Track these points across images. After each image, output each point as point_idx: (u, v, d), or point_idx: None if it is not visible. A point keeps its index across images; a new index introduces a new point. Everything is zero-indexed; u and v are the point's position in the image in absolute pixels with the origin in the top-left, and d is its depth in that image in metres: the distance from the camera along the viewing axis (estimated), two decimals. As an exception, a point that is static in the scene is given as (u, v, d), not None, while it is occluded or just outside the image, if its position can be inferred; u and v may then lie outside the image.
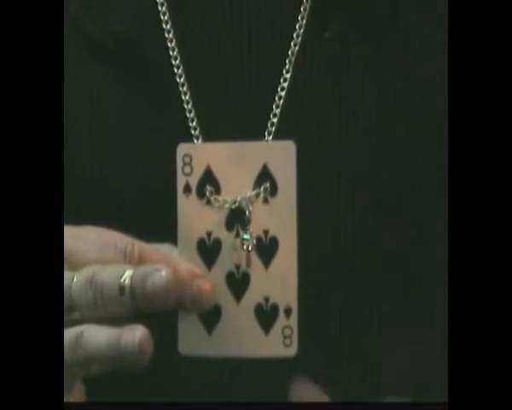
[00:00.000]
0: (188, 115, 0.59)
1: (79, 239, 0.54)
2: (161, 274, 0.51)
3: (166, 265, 0.52)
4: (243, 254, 0.54)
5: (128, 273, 0.51)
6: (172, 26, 0.59)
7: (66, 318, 0.53)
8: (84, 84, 0.62)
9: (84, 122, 0.62)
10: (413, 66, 0.62)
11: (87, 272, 0.52)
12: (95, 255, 0.54)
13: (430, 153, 0.62)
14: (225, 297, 0.54)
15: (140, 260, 0.53)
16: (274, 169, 0.54)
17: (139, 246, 0.53)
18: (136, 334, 0.50)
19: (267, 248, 0.54)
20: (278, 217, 0.53)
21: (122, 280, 0.51)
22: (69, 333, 0.53)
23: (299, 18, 0.59)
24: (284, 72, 0.59)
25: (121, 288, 0.51)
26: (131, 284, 0.51)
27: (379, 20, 0.61)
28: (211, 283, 0.53)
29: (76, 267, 0.53)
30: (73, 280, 0.53)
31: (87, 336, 0.52)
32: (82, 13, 0.61)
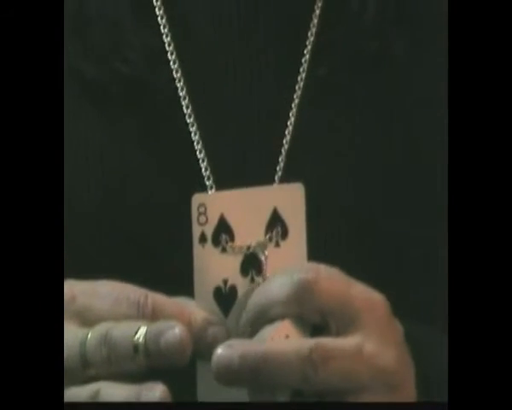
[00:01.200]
0: (201, 165, 0.59)
1: (93, 294, 0.54)
2: (175, 331, 0.50)
3: (181, 318, 0.51)
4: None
5: (142, 331, 0.51)
6: (182, 74, 0.60)
7: (81, 374, 0.53)
8: (90, 134, 0.62)
9: (94, 173, 0.61)
10: (414, 105, 0.65)
11: (100, 329, 0.52)
12: (108, 309, 0.53)
13: (435, 191, 0.64)
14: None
15: (154, 312, 0.52)
16: (284, 212, 0.54)
17: (152, 297, 0.53)
18: (155, 394, 0.50)
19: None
20: (290, 260, 0.53)
21: (136, 338, 0.51)
22: (86, 390, 0.53)
23: (303, 61, 0.61)
24: (290, 116, 0.60)
25: (135, 346, 0.51)
26: (145, 342, 0.51)
27: (376, 61, 0.63)
28: (227, 330, 0.52)
29: (91, 323, 0.54)
30: (88, 337, 0.53)
31: (104, 394, 0.52)
32: (80, 56, 0.61)
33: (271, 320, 0.51)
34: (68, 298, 0.55)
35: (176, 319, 0.51)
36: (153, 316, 0.52)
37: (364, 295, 0.52)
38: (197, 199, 0.53)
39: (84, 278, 0.56)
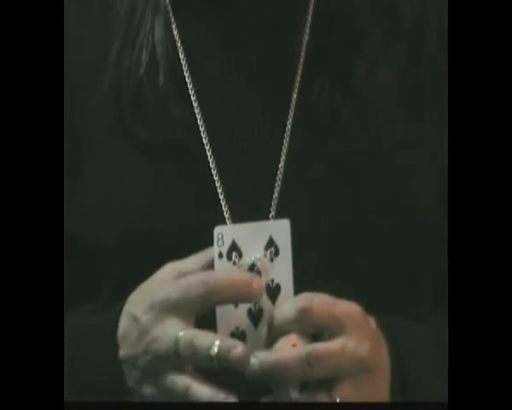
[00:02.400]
0: (222, 204, 0.78)
1: (182, 294, 0.72)
2: (239, 350, 0.69)
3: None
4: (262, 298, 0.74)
5: (216, 344, 0.69)
6: (208, 138, 0.78)
7: (174, 362, 0.71)
8: (137, 177, 0.79)
9: (140, 204, 0.79)
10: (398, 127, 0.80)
11: (188, 334, 0.70)
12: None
13: (428, 229, 0.80)
14: (246, 321, 0.74)
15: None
16: (276, 238, 0.74)
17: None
18: (229, 398, 0.69)
19: (273, 291, 0.73)
20: (279, 271, 0.74)
21: (212, 350, 0.69)
22: (180, 380, 0.71)
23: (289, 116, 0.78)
24: (280, 167, 0.78)
25: (211, 357, 0.69)
26: (219, 353, 0.69)
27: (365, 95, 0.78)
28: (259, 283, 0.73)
29: (184, 317, 0.71)
30: (180, 337, 0.70)
31: (194, 391, 0.70)
32: (137, 122, 0.78)
33: (283, 334, 0.70)
34: (163, 300, 0.71)
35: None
36: (220, 299, 0.72)
37: (345, 309, 0.70)
38: (217, 229, 0.74)
39: (123, 285, 0.75)
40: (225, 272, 0.73)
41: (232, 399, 0.70)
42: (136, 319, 0.73)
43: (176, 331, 0.70)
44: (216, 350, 0.70)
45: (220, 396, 0.70)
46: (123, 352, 0.74)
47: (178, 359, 0.71)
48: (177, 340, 0.70)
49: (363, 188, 0.78)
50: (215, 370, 0.70)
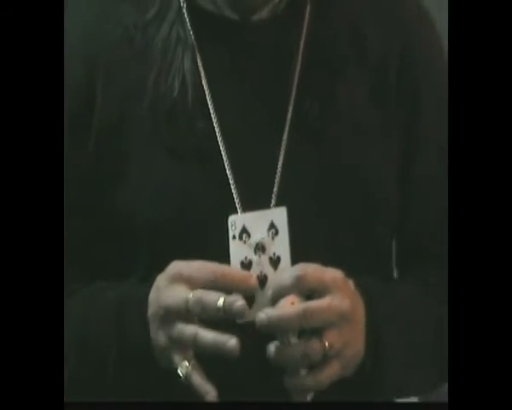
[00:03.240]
0: (234, 196, 0.97)
1: (192, 269, 0.90)
2: (239, 303, 0.87)
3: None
4: (265, 264, 0.93)
5: (221, 300, 0.87)
6: (223, 142, 0.98)
7: (183, 317, 0.88)
8: (164, 174, 0.99)
9: (167, 199, 0.98)
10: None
11: (197, 294, 0.88)
12: (202, 280, 0.89)
13: (384, 209, 1.03)
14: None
15: (225, 284, 0.89)
16: (276, 222, 0.93)
17: (224, 276, 0.90)
18: (232, 341, 0.86)
19: (275, 262, 0.92)
20: (279, 246, 0.93)
21: (218, 304, 0.87)
22: (188, 329, 0.88)
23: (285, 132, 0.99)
24: (278, 167, 0.98)
25: (218, 308, 0.87)
26: (224, 305, 0.86)
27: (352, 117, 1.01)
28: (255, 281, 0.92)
29: (191, 287, 0.88)
30: (190, 297, 0.88)
31: (200, 336, 0.87)
32: (167, 130, 0.99)
33: (284, 295, 0.88)
34: (176, 272, 0.90)
35: (236, 287, 0.89)
36: (224, 286, 0.88)
37: (331, 275, 0.89)
38: (231, 218, 0.93)
39: (146, 266, 0.97)
40: (232, 269, 0.91)
41: (233, 341, 0.86)
42: (157, 287, 0.91)
43: (185, 294, 0.88)
44: (222, 303, 0.86)
45: (223, 338, 0.86)
46: (149, 312, 0.92)
47: (188, 314, 0.87)
48: (187, 299, 0.87)
49: (340, 181, 0.99)
50: (220, 320, 0.87)
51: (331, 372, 0.90)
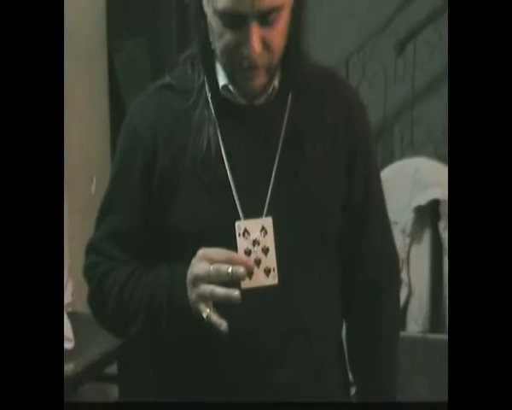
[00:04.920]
0: (239, 209, 1.48)
1: (211, 253, 1.40)
2: (242, 270, 1.36)
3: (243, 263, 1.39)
4: (259, 252, 1.44)
5: (230, 268, 1.36)
6: (232, 174, 1.50)
7: (206, 281, 1.38)
8: (195, 198, 1.50)
9: (189, 209, 1.51)
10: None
11: (215, 266, 1.37)
12: (218, 258, 1.39)
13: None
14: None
15: (232, 261, 1.38)
16: (266, 226, 1.45)
17: (231, 257, 1.39)
18: (236, 292, 1.35)
19: (265, 250, 1.44)
20: (268, 241, 1.44)
21: (228, 271, 1.36)
22: (208, 288, 1.37)
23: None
24: (269, 188, 1.50)
25: (228, 273, 1.36)
26: (232, 273, 1.36)
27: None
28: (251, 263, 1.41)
29: (211, 262, 1.38)
30: (211, 268, 1.37)
31: (216, 291, 1.37)
32: (202, 171, 1.51)
33: None
34: (202, 254, 1.40)
35: (239, 264, 1.37)
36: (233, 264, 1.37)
37: None
38: (237, 223, 1.44)
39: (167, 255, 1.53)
40: (238, 254, 1.42)
41: (237, 292, 1.35)
42: (191, 264, 1.42)
43: (207, 266, 1.38)
44: (230, 270, 1.36)
45: (230, 291, 1.35)
46: (186, 280, 1.43)
47: (209, 279, 1.37)
48: (208, 269, 1.37)
49: (312, 201, 1.53)
50: (230, 282, 1.36)
51: None
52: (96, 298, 1.57)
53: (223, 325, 1.36)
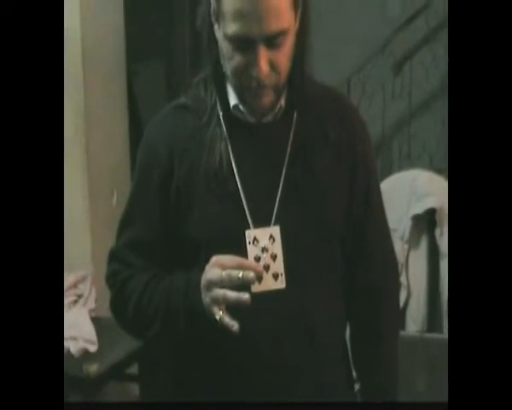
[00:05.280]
0: (249, 219, 1.51)
1: (224, 259, 1.44)
2: (251, 274, 1.40)
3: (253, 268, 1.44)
4: (268, 258, 1.48)
5: (241, 273, 1.40)
6: (242, 187, 1.53)
7: (219, 286, 1.41)
8: (210, 208, 1.54)
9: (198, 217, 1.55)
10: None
11: (227, 272, 1.40)
12: (229, 264, 1.42)
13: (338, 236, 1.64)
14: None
15: (242, 266, 1.42)
16: (274, 235, 1.48)
17: (241, 263, 1.43)
18: (246, 296, 1.39)
19: (274, 256, 1.48)
20: (276, 249, 1.48)
21: (240, 275, 1.39)
22: (220, 292, 1.41)
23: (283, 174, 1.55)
24: (276, 199, 1.53)
25: (239, 278, 1.39)
26: (243, 277, 1.40)
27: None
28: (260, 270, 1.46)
29: (223, 268, 1.41)
30: (223, 274, 1.40)
31: (228, 294, 1.40)
32: (214, 183, 1.55)
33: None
34: (215, 260, 1.43)
35: (249, 269, 1.42)
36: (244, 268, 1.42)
37: None
38: (247, 232, 1.49)
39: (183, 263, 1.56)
40: (249, 260, 1.45)
41: (247, 296, 1.39)
42: (205, 270, 1.45)
43: (220, 272, 1.41)
44: (241, 275, 1.40)
45: (240, 294, 1.39)
46: (201, 285, 1.45)
47: (221, 283, 1.40)
48: (221, 275, 1.41)
49: (316, 210, 1.55)
50: (241, 286, 1.40)
51: None
52: (118, 304, 1.61)
53: (234, 326, 1.40)
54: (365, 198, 1.63)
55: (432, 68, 5.10)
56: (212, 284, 1.42)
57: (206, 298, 1.44)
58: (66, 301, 3.04)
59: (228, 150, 1.53)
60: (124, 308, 1.58)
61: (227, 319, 1.41)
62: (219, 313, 1.41)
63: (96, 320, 3.00)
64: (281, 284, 1.46)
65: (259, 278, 1.43)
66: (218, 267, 1.42)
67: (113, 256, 1.63)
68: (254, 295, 1.41)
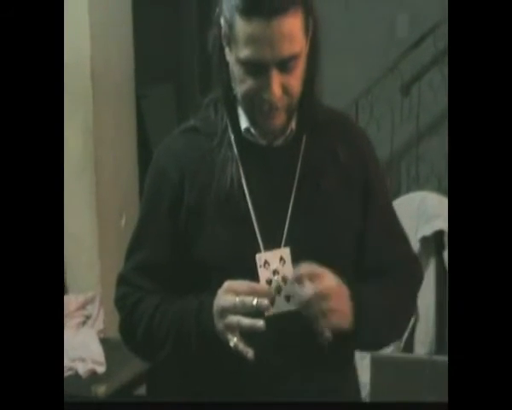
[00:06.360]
0: (260, 242, 1.52)
1: (236, 285, 1.45)
2: (265, 302, 1.42)
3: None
4: (279, 280, 1.47)
5: (255, 300, 1.40)
6: (253, 209, 1.54)
7: (233, 312, 1.42)
8: (220, 229, 1.54)
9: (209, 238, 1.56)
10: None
11: (241, 298, 1.41)
12: (242, 290, 1.44)
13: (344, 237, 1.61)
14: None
15: (253, 292, 1.43)
16: (284, 256, 1.47)
17: (252, 288, 1.44)
18: (260, 323, 1.40)
19: (285, 280, 1.47)
20: (287, 271, 1.47)
21: (254, 303, 1.40)
22: (235, 318, 1.41)
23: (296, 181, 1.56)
24: (286, 222, 1.54)
25: (253, 306, 1.40)
26: (256, 304, 1.40)
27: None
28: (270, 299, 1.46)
29: (237, 294, 1.43)
30: (237, 300, 1.41)
31: (243, 321, 1.41)
32: (226, 205, 1.55)
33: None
34: (228, 286, 1.45)
35: (263, 294, 1.43)
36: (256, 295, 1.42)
37: (329, 276, 1.46)
38: (257, 255, 1.47)
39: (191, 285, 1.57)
40: (260, 284, 1.44)
41: (261, 322, 1.40)
42: (218, 296, 1.46)
43: (233, 299, 1.42)
44: (256, 302, 1.40)
45: (255, 321, 1.39)
46: (213, 311, 1.46)
47: (235, 309, 1.41)
48: (234, 301, 1.41)
49: (326, 231, 1.55)
50: (254, 312, 1.41)
51: (333, 320, 1.45)
52: (127, 327, 1.61)
53: (249, 352, 1.41)
54: (378, 215, 1.61)
55: (440, 90, 5.09)
56: (225, 311, 1.43)
57: (219, 324, 1.44)
58: (74, 322, 3.05)
59: (239, 173, 1.53)
60: (133, 331, 1.58)
61: (241, 346, 1.42)
62: (234, 340, 1.42)
63: (104, 341, 3.00)
64: (293, 305, 1.45)
65: (272, 302, 1.43)
66: (231, 294, 1.43)
67: (122, 279, 1.62)
68: (267, 318, 1.42)
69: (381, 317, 1.55)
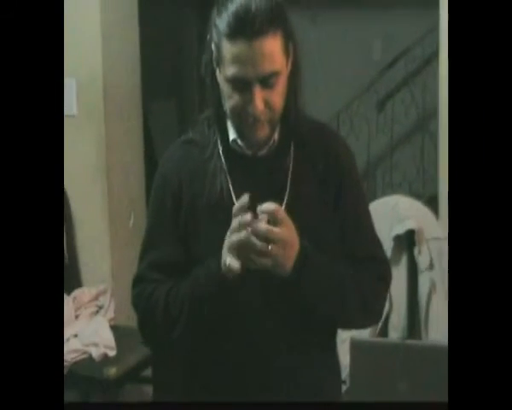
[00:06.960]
0: None
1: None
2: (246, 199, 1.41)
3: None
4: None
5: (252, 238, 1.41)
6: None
7: (238, 243, 1.41)
8: (214, 232, 1.50)
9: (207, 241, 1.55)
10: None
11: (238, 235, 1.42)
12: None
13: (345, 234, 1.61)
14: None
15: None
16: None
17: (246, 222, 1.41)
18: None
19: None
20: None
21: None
22: (243, 234, 1.40)
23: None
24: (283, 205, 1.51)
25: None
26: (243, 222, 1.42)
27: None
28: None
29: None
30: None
31: (230, 262, 1.42)
32: (217, 210, 1.55)
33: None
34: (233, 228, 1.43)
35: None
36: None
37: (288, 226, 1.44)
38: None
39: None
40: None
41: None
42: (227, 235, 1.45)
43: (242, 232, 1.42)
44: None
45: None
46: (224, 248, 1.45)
47: (239, 228, 1.41)
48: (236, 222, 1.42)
49: (306, 232, 1.47)
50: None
51: (274, 253, 1.41)
52: (145, 316, 1.58)
53: (236, 265, 1.41)
54: (353, 215, 1.60)
55: (411, 106, 5.14)
56: (232, 232, 1.42)
57: (224, 248, 1.44)
58: (88, 312, 3.06)
59: (227, 181, 1.54)
60: (152, 316, 1.55)
61: (229, 259, 1.41)
62: (228, 259, 1.41)
63: (114, 328, 3.01)
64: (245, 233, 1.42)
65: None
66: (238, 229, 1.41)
67: (138, 279, 1.61)
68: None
69: (343, 291, 1.53)
